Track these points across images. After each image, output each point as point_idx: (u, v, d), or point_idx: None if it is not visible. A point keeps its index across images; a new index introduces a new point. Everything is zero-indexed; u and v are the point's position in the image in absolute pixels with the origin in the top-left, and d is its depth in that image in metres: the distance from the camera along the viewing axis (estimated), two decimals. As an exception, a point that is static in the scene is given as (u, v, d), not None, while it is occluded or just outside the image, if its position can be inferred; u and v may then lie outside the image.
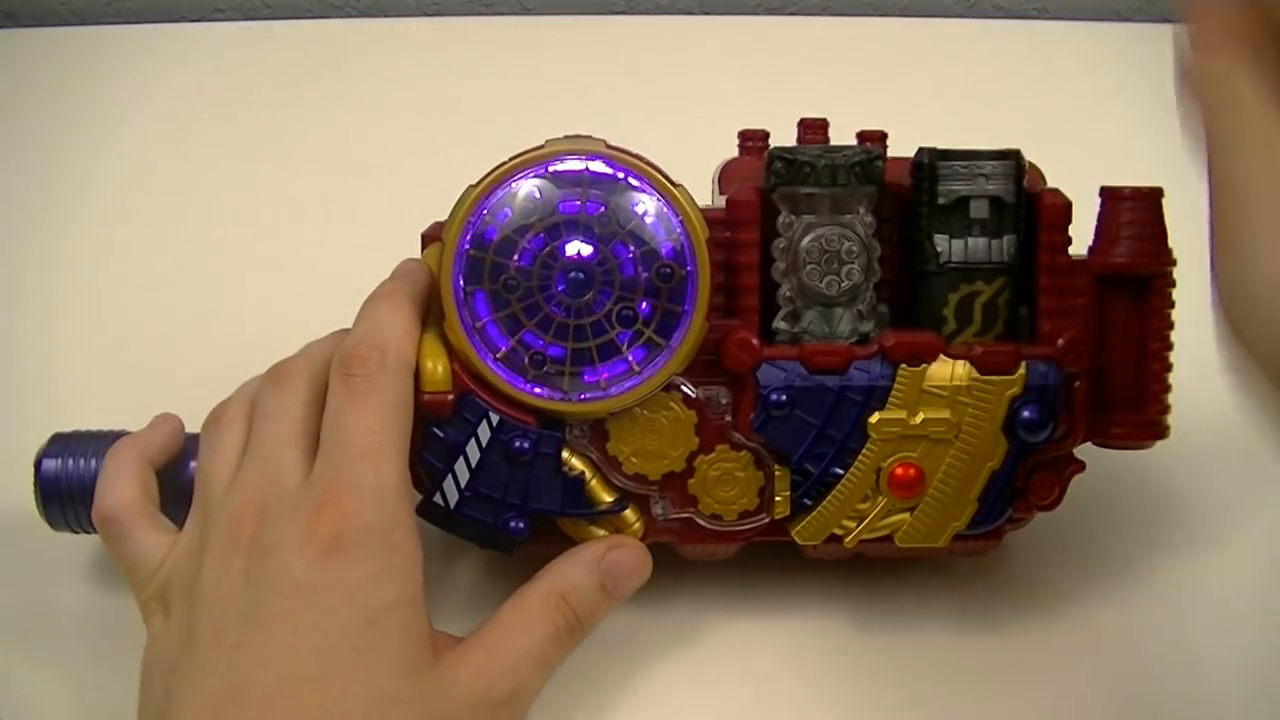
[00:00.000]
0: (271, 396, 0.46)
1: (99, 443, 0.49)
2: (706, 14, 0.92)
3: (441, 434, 0.46)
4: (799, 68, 0.83)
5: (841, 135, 0.49)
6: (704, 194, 0.49)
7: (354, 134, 0.76)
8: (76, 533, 0.50)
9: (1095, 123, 0.78)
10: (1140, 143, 0.76)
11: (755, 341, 0.47)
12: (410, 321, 0.46)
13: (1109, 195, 0.48)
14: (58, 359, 0.63)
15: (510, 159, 0.46)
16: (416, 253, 0.49)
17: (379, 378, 0.44)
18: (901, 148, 0.49)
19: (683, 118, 0.76)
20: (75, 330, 0.65)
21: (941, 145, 0.48)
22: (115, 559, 0.47)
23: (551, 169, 0.45)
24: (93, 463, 0.49)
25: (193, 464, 0.48)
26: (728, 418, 0.47)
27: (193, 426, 0.50)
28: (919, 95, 0.80)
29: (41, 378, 0.62)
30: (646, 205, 0.45)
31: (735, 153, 0.51)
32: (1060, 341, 0.47)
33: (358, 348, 0.45)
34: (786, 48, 0.85)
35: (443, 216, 0.46)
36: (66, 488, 0.49)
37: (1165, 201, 0.48)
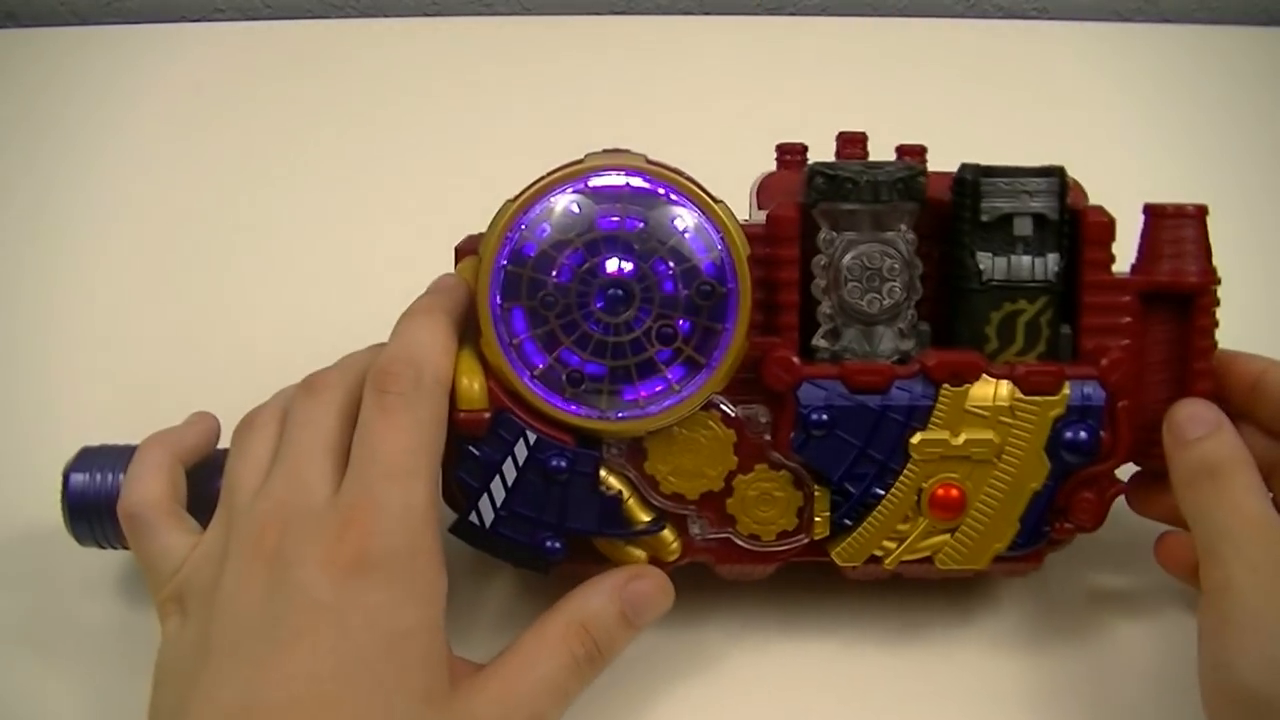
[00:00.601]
0: (304, 405, 0.46)
1: (127, 458, 0.48)
2: (707, 14, 0.92)
3: (477, 452, 0.45)
4: (799, 68, 0.83)
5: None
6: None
7: (354, 134, 0.76)
8: (103, 548, 0.49)
9: (1093, 123, 0.79)
10: (1139, 143, 0.77)
11: (796, 360, 0.46)
12: (448, 339, 0.45)
13: (1153, 212, 0.48)
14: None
15: (548, 173, 0.45)
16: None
17: (413, 396, 0.43)
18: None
19: (681, 117, 0.76)
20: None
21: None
22: (136, 555, 0.46)
23: (590, 184, 0.44)
24: (120, 478, 0.48)
25: None
26: (767, 437, 0.47)
27: (223, 443, 0.49)
28: (918, 95, 0.80)
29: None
30: (687, 221, 0.45)
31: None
32: (1104, 361, 0.46)
33: (393, 364, 0.44)
34: (786, 47, 0.85)
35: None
36: (94, 502, 0.48)
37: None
